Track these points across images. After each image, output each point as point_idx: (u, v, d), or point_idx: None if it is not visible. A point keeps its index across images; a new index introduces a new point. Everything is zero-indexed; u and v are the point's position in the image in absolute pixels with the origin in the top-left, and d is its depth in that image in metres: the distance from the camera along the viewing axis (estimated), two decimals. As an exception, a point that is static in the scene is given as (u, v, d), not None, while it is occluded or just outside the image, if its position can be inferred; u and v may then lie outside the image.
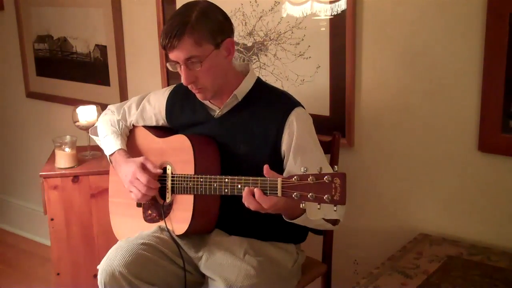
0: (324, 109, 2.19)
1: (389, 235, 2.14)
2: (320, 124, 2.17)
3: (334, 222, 1.76)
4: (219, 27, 1.72)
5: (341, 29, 2.08)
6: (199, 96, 1.82)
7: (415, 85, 1.99)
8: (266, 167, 1.54)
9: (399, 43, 1.99)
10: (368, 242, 2.22)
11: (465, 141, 1.92)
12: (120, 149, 1.98)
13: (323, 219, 1.71)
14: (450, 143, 1.96)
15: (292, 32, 2.20)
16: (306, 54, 2.19)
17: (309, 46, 2.17)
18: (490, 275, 1.71)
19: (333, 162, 2.02)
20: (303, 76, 2.22)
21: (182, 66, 1.72)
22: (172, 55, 1.72)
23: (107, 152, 2.02)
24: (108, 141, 2.02)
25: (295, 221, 1.65)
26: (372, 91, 2.09)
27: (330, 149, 2.02)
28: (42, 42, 3.21)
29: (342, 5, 2.06)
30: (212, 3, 1.77)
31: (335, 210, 1.49)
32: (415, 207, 2.08)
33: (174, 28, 1.68)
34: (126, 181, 1.89)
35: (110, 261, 1.76)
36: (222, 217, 1.86)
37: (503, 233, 1.91)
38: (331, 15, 2.10)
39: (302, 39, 2.18)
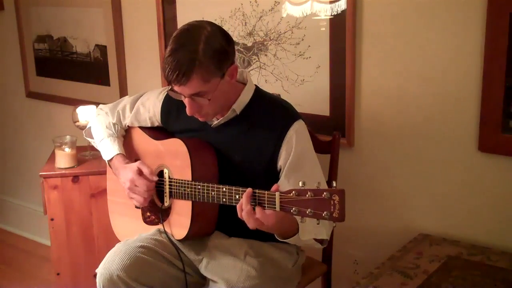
0: (324, 109, 2.19)
1: (389, 235, 2.14)
2: (320, 124, 2.17)
3: (322, 241, 1.74)
4: (224, 55, 1.67)
5: (341, 29, 2.07)
6: (201, 119, 1.78)
7: (415, 85, 1.99)
8: (274, 187, 1.52)
9: (399, 43, 1.99)
10: (368, 242, 2.22)
11: (465, 141, 1.92)
12: (118, 154, 1.97)
13: (314, 239, 1.70)
14: (450, 143, 1.96)
15: (292, 32, 2.20)
16: (306, 54, 2.19)
17: (309, 46, 2.17)
18: (490, 275, 1.71)
19: (333, 161, 2.02)
20: (303, 76, 2.22)
21: (186, 98, 1.69)
22: (178, 89, 1.68)
23: (105, 157, 2.00)
24: (105, 145, 2.00)
25: (287, 241, 1.64)
26: (372, 91, 2.09)
27: (330, 149, 2.02)
28: (42, 42, 3.21)
29: (342, 5, 2.06)
30: (213, 26, 1.70)
31: (334, 226, 1.48)
32: (415, 207, 2.08)
33: (181, 66, 1.61)
34: (126, 188, 1.89)
35: (108, 264, 1.76)
36: (222, 219, 1.86)
37: (503, 233, 1.91)
38: (331, 15, 2.10)
39: (302, 39, 2.18)
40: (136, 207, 1.97)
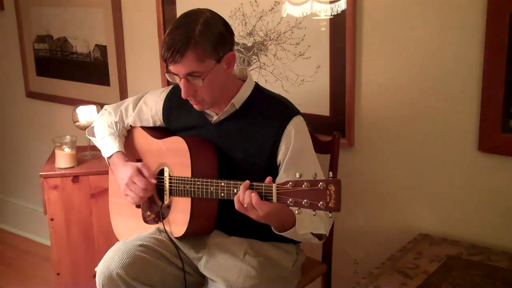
0: (324, 109, 2.19)
1: (389, 235, 2.14)
2: (320, 124, 2.17)
3: (320, 236, 1.74)
4: (222, 40, 1.69)
5: (341, 29, 2.07)
6: (196, 107, 1.79)
7: (415, 85, 1.99)
8: (269, 179, 1.53)
9: (399, 43, 1.99)
10: (368, 242, 2.22)
11: (465, 141, 1.92)
12: (118, 151, 1.98)
13: (311, 233, 1.70)
14: (450, 143, 1.96)
15: (292, 32, 2.20)
16: (306, 54, 2.19)
17: (309, 46, 2.17)
18: (490, 275, 1.71)
19: (333, 161, 2.02)
20: (303, 76, 2.22)
21: (182, 80, 1.70)
22: (173, 68, 1.70)
23: (105, 154, 2.02)
24: (106, 143, 2.02)
25: (283, 234, 1.64)
26: (372, 91, 2.09)
27: (330, 149, 2.02)
28: (42, 42, 3.21)
29: (342, 5, 2.06)
30: (214, 13, 1.74)
31: (330, 217, 1.48)
32: (415, 207, 2.08)
33: (177, 43, 1.64)
34: (122, 184, 1.89)
35: (108, 263, 1.76)
36: (222, 218, 1.86)
37: (503, 233, 1.91)
38: (331, 15, 2.10)
39: (302, 39, 2.18)
40: (137, 206, 1.98)
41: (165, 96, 1.99)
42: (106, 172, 2.18)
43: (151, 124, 2.05)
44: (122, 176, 1.90)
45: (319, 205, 1.42)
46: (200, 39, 1.65)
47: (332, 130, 2.06)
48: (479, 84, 1.85)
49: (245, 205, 1.54)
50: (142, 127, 2.06)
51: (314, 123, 2.11)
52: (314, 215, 1.47)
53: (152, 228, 1.92)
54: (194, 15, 1.71)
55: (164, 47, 1.67)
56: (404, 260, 1.83)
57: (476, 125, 1.88)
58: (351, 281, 2.11)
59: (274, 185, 1.50)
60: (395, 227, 2.13)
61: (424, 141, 2.01)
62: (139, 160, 2.00)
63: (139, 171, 1.86)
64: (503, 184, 1.88)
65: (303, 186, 1.44)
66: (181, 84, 1.71)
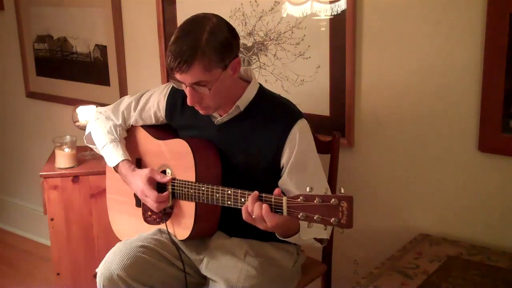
0: (324, 109, 2.19)
1: (389, 235, 2.14)
2: (320, 124, 2.17)
3: (321, 240, 1.75)
4: (228, 47, 1.67)
5: (341, 29, 2.07)
6: (202, 112, 1.78)
7: (415, 84, 1.99)
8: (278, 191, 1.52)
9: (399, 43, 1.99)
10: (368, 242, 2.22)
11: (465, 141, 1.92)
12: (123, 160, 1.93)
13: (314, 238, 1.70)
14: (450, 143, 1.96)
15: (292, 32, 2.20)
16: (306, 54, 2.19)
17: (309, 46, 2.17)
18: (490, 275, 1.71)
19: (333, 161, 2.02)
20: (303, 76, 2.22)
21: (187, 88, 1.69)
22: (179, 77, 1.68)
23: (110, 164, 1.97)
24: (108, 152, 1.97)
25: (287, 239, 1.64)
26: (372, 91, 2.09)
27: (330, 149, 2.02)
28: (42, 42, 3.21)
29: (342, 5, 2.06)
30: (220, 18, 1.72)
31: (341, 233, 1.48)
32: (415, 207, 2.08)
33: (183, 53, 1.62)
34: (138, 195, 1.88)
35: (109, 264, 1.76)
36: (222, 220, 1.86)
37: (503, 233, 1.91)
38: (331, 15, 2.10)
39: (302, 39, 2.18)
40: (137, 205, 1.97)
41: (168, 92, 1.97)
42: (105, 172, 2.18)
43: (153, 122, 2.03)
44: (135, 188, 1.88)
45: (331, 221, 1.41)
46: (207, 49, 1.63)
47: (332, 130, 2.06)
48: (479, 84, 1.85)
49: (253, 216, 1.53)
50: (143, 127, 2.04)
51: (314, 123, 2.11)
52: (325, 229, 1.46)
53: (152, 228, 1.92)
54: (200, 21, 1.68)
55: (170, 56, 1.65)
56: (404, 260, 1.83)
57: (476, 125, 1.88)
58: (351, 281, 2.11)
59: (284, 199, 1.49)
60: (395, 227, 2.14)
61: (424, 141, 2.01)
62: (139, 160, 1.99)
63: (150, 180, 1.83)
64: (503, 184, 1.88)
65: (315, 201, 1.43)
66: (187, 91, 1.70)
